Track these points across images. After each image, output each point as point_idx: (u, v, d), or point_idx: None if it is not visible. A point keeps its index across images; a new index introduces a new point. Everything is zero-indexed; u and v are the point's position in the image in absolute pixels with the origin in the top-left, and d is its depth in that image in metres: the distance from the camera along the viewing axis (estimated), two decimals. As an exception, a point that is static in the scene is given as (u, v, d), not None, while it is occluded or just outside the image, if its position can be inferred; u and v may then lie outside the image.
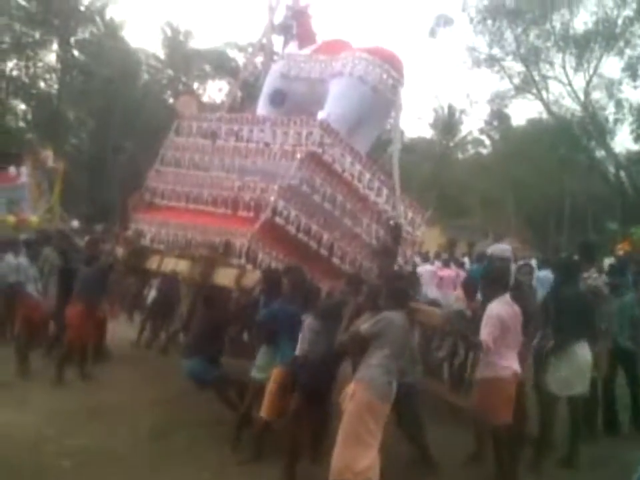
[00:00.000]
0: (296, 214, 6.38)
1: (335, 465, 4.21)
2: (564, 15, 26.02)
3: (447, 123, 37.31)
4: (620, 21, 25.13)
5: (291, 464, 4.81)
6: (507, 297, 5.05)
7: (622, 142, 27.42)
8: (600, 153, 28.13)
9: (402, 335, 4.52)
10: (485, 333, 4.77)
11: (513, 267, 7.63)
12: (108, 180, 23.64)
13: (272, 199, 6.25)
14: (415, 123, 36.65)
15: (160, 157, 8.12)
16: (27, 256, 8.54)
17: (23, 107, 26.22)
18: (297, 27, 8.89)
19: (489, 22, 26.60)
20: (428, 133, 39.50)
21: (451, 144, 38.32)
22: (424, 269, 10.94)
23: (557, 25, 26.20)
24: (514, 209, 30.81)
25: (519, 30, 26.57)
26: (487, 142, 37.45)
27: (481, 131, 36.50)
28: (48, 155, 15.85)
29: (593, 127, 26.77)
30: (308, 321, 5.13)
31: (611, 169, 27.91)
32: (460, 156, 39.31)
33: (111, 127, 24.06)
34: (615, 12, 25.26)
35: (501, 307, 4.93)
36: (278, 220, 6.26)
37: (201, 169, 7.47)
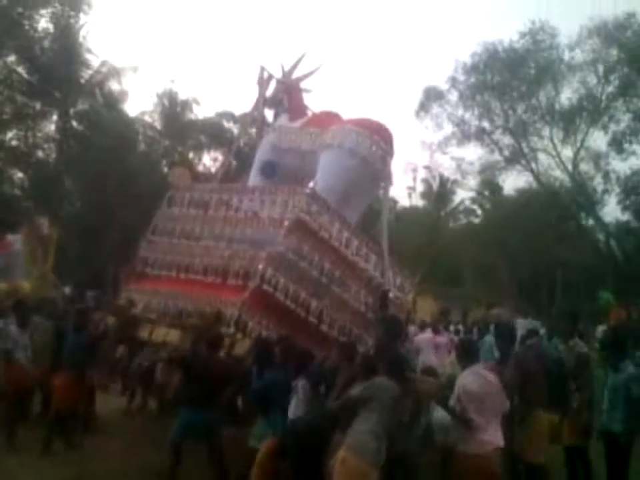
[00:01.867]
0: (284, 281, 6.44)
1: None
2: (549, 91, 26.92)
3: (439, 193, 37.84)
4: (604, 97, 26.01)
5: None
6: (476, 367, 4.98)
7: (611, 212, 27.88)
8: (589, 222, 28.56)
9: (392, 401, 4.49)
10: (465, 410, 4.69)
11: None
12: (102, 247, 23.68)
13: (260, 267, 6.31)
14: (406, 193, 36.99)
15: (152, 228, 8.23)
16: (17, 323, 8.43)
17: (20, 175, 26.49)
18: (287, 100, 9.18)
19: (478, 97, 27.45)
20: (419, 203, 39.98)
21: (443, 213, 38.73)
22: (422, 337, 11.05)
23: (543, 100, 27.07)
24: (506, 277, 30.90)
25: (507, 105, 27.42)
26: (479, 211, 37.93)
27: (473, 201, 37.02)
28: (42, 223, 15.94)
29: (581, 197, 27.26)
30: (302, 386, 5.11)
31: (601, 238, 28.24)
32: (452, 224, 39.65)
33: (107, 195, 24.26)
34: (599, 89, 26.18)
35: (469, 379, 4.85)
36: (266, 288, 6.31)
37: (192, 239, 7.56)
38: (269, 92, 9.40)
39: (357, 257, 7.26)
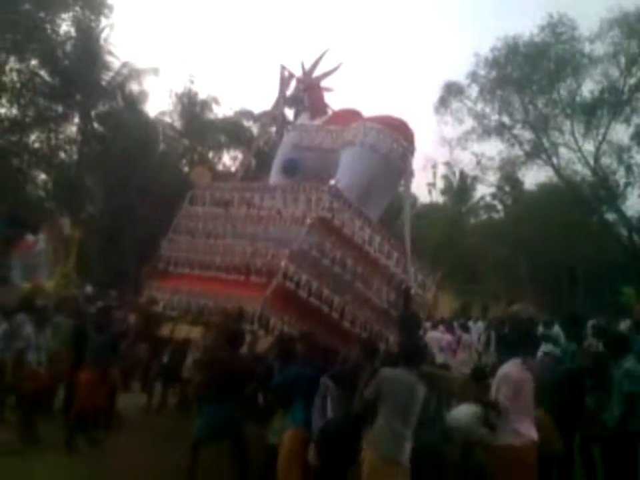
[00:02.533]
0: (307, 278, 6.46)
1: None
2: (570, 84, 26.62)
3: (459, 190, 37.60)
4: (626, 89, 25.66)
5: None
6: (518, 360, 5.01)
7: (633, 205, 27.52)
8: (612, 217, 28.20)
9: (406, 392, 4.42)
10: (499, 394, 4.74)
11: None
12: (123, 247, 23.90)
13: (283, 264, 6.33)
14: (426, 189, 36.72)
15: (174, 226, 8.28)
16: (35, 322, 8.36)
17: (43, 176, 26.83)
18: (308, 99, 9.18)
19: (498, 91, 27.23)
20: (440, 199, 39.76)
21: (463, 209, 38.48)
22: (429, 336, 10.99)
23: (564, 93, 26.77)
24: (527, 273, 30.63)
25: (527, 99, 27.17)
26: (500, 207, 37.63)
27: (493, 196, 36.69)
28: (65, 223, 16.12)
29: (604, 191, 26.93)
30: (328, 386, 5.10)
31: (624, 232, 27.86)
32: (472, 220, 39.39)
33: (127, 195, 24.49)
34: (621, 81, 25.83)
35: (510, 368, 4.92)
36: (289, 285, 6.33)
37: (214, 237, 7.60)
38: (290, 91, 9.41)
39: (379, 253, 7.24)
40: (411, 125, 8.21)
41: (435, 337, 11.06)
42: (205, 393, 6.06)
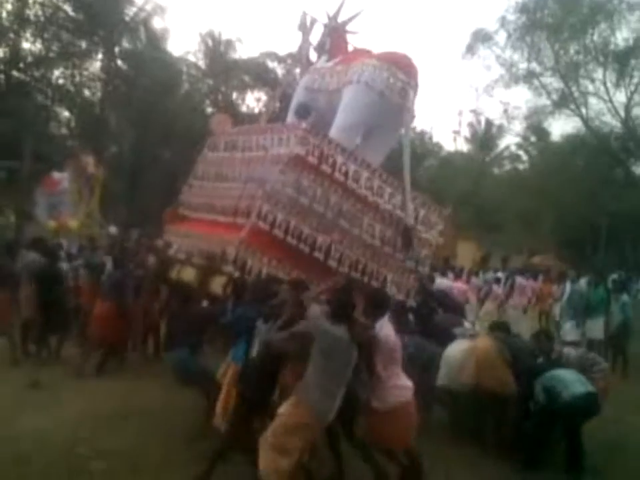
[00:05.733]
0: (283, 218, 6.34)
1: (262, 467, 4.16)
2: (604, 30, 25.67)
3: (484, 138, 37.02)
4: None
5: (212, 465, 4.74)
6: (386, 318, 4.89)
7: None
8: (638, 170, 27.67)
9: (338, 348, 4.26)
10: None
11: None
12: (146, 187, 24.12)
13: (257, 204, 6.29)
14: (452, 137, 36.17)
15: (193, 172, 8.37)
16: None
17: (66, 114, 26.94)
18: (329, 42, 8.99)
19: (527, 38, 26.40)
20: (464, 147, 39.26)
21: (487, 159, 37.97)
22: (441, 282, 10.78)
23: (597, 40, 25.81)
24: (550, 225, 30.34)
25: (558, 46, 26.32)
26: (525, 157, 37.05)
27: (518, 146, 36.10)
28: (89, 162, 16.23)
29: (632, 143, 26.32)
30: (258, 328, 5.09)
31: (651, 187, 27.36)
32: (496, 170, 38.89)
33: (151, 135, 24.54)
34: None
35: (384, 329, 4.78)
36: (262, 225, 6.24)
37: (219, 181, 7.64)
38: (314, 36, 9.21)
39: (367, 190, 6.92)
40: (413, 59, 7.68)
41: (445, 284, 10.82)
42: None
